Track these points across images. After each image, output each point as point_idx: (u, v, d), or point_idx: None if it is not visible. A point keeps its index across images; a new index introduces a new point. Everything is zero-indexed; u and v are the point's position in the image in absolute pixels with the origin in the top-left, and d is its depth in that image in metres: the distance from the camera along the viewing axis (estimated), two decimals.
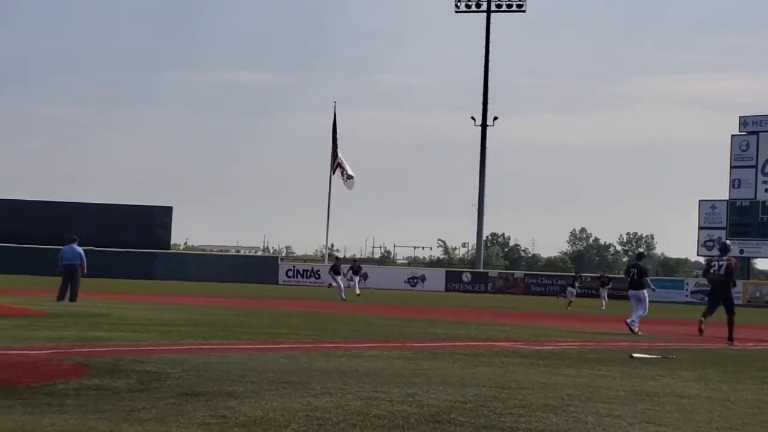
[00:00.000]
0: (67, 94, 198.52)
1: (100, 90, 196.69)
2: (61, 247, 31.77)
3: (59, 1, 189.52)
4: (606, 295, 46.55)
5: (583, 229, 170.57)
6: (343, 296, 43.29)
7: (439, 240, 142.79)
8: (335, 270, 46.12)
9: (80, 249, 30.50)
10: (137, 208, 79.17)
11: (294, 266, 75.82)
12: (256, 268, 73.75)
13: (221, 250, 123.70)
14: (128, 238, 73.20)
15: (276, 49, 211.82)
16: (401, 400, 9.96)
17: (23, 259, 66.42)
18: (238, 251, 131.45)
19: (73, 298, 29.19)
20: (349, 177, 69.11)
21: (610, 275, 55.84)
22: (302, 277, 70.89)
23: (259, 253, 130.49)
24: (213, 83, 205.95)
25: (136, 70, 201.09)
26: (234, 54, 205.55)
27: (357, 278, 48.24)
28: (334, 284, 45.57)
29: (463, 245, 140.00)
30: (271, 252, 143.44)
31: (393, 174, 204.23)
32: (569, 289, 46.57)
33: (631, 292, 24.97)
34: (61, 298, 29.30)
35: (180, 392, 10.02)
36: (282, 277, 71.05)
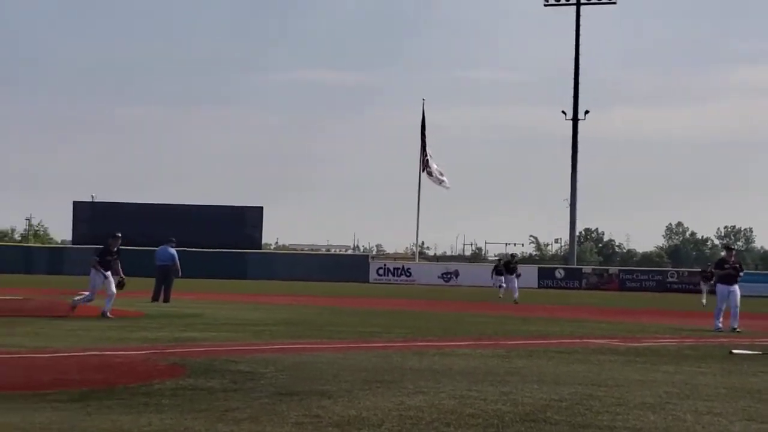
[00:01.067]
0: (153, 95, 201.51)
1: (188, 91, 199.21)
2: (155, 248, 32.26)
3: (141, 4, 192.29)
4: (707, 290, 45.58)
5: (679, 223, 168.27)
6: (500, 296, 41.82)
7: (531, 236, 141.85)
8: (498, 270, 44.56)
9: (173, 250, 30.92)
10: (228, 209, 79.98)
11: (385, 264, 75.87)
12: (347, 267, 73.96)
13: (312, 250, 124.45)
14: (220, 239, 73.98)
15: (363, 48, 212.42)
16: (495, 398, 9.94)
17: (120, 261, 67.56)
18: (328, 250, 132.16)
19: (166, 299, 29.61)
20: (440, 180, 69.19)
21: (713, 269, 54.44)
22: (393, 276, 70.94)
23: (350, 252, 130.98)
24: (302, 83, 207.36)
25: (225, 70, 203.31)
26: (322, 53, 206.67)
27: (514, 279, 43.30)
28: (503, 285, 42.90)
29: (556, 241, 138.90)
30: (362, 250, 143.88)
31: (483, 170, 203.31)
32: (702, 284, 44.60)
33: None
34: (155, 299, 29.73)
35: (273, 392, 10.11)
36: (373, 275, 71.18)
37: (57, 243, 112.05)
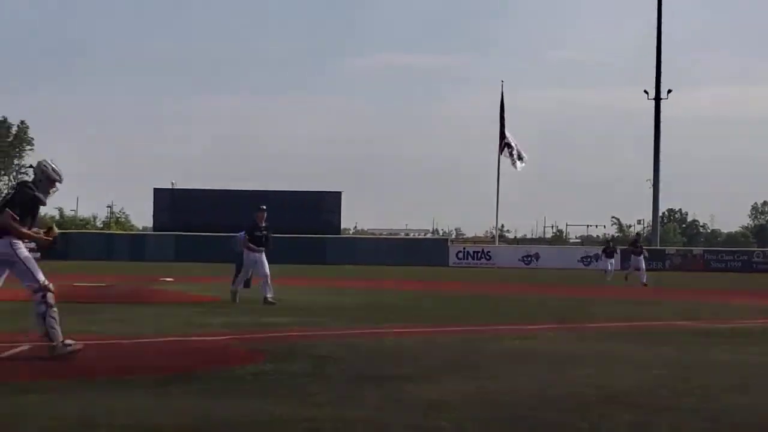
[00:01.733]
0: (232, 85, 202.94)
1: (269, 79, 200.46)
2: (234, 234, 32.55)
3: None
4: None
5: (765, 203, 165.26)
6: (608, 279, 40.93)
7: (612, 217, 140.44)
8: (608, 252, 43.80)
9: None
10: (307, 194, 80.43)
11: (464, 248, 75.74)
12: (426, 251, 73.90)
13: (390, 234, 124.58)
14: (299, 224, 74.39)
15: (443, 31, 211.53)
16: (578, 382, 9.89)
17: (200, 247, 68.39)
18: (407, 234, 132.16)
19: (247, 285, 29.87)
20: (520, 158, 68.57)
21: None
22: (473, 259, 70.74)
23: (429, 236, 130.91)
24: (380, 67, 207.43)
25: (300, 58, 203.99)
26: (398, 37, 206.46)
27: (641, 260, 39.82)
28: (610, 269, 41.82)
29: (639, 222, 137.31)
30: (441, 234, 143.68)
31: (564, 151, 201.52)
32: None
33: None
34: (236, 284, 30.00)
35: (354, 376, 10.16)
36: (452, 259, 71.03)
37: (138, 230, 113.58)
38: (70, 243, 74.98)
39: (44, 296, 11.33)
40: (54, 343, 11.29)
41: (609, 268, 41.97)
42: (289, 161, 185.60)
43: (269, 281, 22.51)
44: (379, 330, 16.14)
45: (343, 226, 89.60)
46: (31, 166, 11.80)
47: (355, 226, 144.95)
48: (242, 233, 28.78)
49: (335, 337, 14.75)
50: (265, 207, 23.91)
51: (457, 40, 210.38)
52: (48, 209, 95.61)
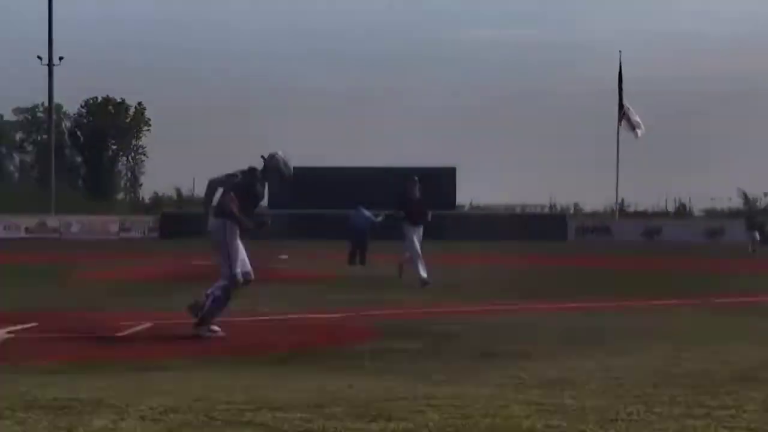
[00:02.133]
0: (347, 63, 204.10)
1: (383, 54, 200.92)
2: (350, 210, 32.73)
3: None
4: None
5: None
6: (751, 250, 40.35)
7: (739, 189, 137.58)
8: (751, 224, 43.55)
9: (368, 213, 31.28)
10: (421, 171, 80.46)
11: (583, 222, 75.02)
12: (544, 226, 73.49)
13: (507, 209, 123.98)
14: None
15: (557, 3, 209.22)
16: (704, 357, 9.71)
17: (315, 225, 69.07)
18: (524, 209, 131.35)
19: (362, 262, 30.02)
20: (637, 126, 67.43)
21: None
22: (592, 234, 70.09)
23: (546, 211, 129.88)
24: (494, 41, 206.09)
25: (415, 32, 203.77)
26: (515, 10, 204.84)
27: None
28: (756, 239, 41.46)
29: (766, 195, 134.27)
30: (559, 209, 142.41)
31: (686, 123, 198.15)
32: None
33: None
34: (351, 262, 30.18)
35: (473, 353, 10.13)
36: (571, 234, 70.49)
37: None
38: (188, 222, 76.35)
39: (226, 286, 11.50)
40: (200, 323, 11.46)
41: (756, 238, 41.42)
42: (406, 136, 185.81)
43: (420, 259, 20.72)
44: (496, 306, 16.08)
45: (458, 202, 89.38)
46: (263, 156, 11.92)
47: (471, 202, 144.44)
48: (361, 210, 28.30)
49: (453, 314, 14.74)
50: (417, 178, 21.64)
51: (572, 14, 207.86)
52: (165, 188, 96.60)
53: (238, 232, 11.73)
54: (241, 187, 11.67)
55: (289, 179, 12.00)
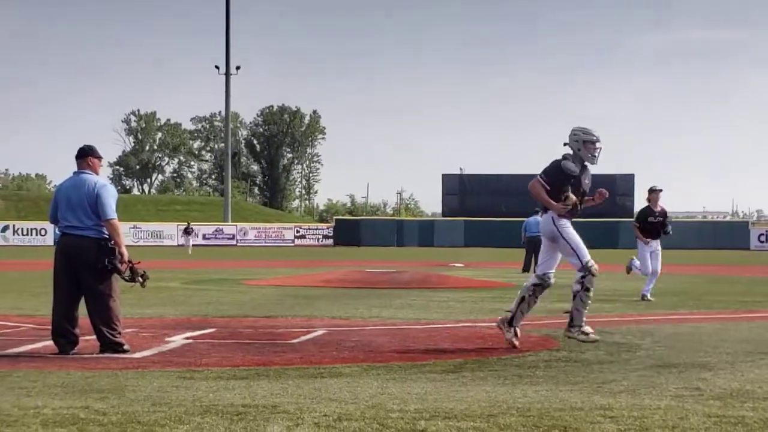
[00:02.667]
0: (519, 62, 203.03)
1: (557, 56, 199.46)
2: (524, 219, 32.61)
3: None
4: None
5: None
6: None
7: None
8: None
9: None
10: (598, 177, 79.53)
11: (766, 231, 72.92)
12: (725, 234, 71.87)
13: (687, 216, 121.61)
14: (591, 208, 73.71)
15: (733, 3, 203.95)
16: None
17: (489, 233, 69.04)
18: (704, 216, 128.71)
19: (526, 269, 29.86)
20: None
21: None
22: None
23: (728, 218, 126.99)
24: (670, 43, 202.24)
25: (595, 34, 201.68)
26: (695, 11, 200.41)
27: None
28: None
29: None
30: (741, 216, 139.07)
31: None
32: None
33: None
34: (526, 269, 30.03)
35: (651, 363, 9.96)
36: (754, 242, 68.69)
37: (427, 216, 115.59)
38: (361, 229, 77.30)
39: (583, 277, 11.59)
40: (573, 326, 11.55)
41: None
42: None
43: (655, 277, 19.87)
44: (676, 316, 15.80)
45: (636, 209, 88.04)
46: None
47: None
48: (536, 217, 28.03)
49: (631, 323, 14.53)
50: (660, 188, 20.02)
51: (743, 13, 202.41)
52: (339, 196, 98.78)
53: (568, 220, 11.69)
54: (549, 171, 11.65)
55: (598, 141, 11.71)
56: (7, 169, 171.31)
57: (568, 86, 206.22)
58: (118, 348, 10.59)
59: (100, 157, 11.22)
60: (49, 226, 60.42)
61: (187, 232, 61.33)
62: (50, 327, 10.89)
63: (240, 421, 6.57)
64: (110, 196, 10.81)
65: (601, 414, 6.87)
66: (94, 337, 10.86)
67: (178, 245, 62.66)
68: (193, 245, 60.31)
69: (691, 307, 17.44)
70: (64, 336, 10.68)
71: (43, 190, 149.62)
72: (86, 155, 11.05)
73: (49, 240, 62.04)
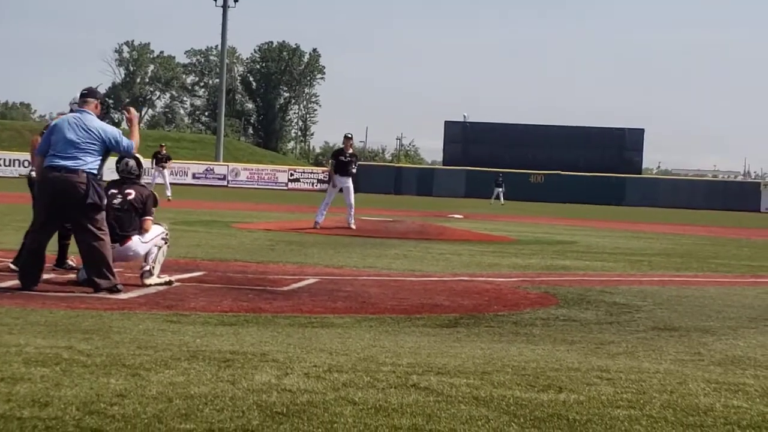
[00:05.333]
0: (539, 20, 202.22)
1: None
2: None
3: None
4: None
5: None
6: None
7: None
8: None
9: None
10: (607, 131, 79.39)
11: None
12: (736, 195, 71.81)
13: (696, 175, 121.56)
14: (597, 162, 73.67)
15: None
16: None
17: (492, 183, 69.03)
18: (715, 176, 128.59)
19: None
20: None
21: None
22: None
23: (739, 179, 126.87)
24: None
25: None
26: None
27: None
28: None
29: None
30: (753, 177, 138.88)
31: None
32: None
33: None
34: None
35: (651, 326, 10.03)
36: (764, 204, 68.69)
37: (427, 164, 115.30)
38: (358, 174, 77.20)
39: None
40: None
41: None
42: (591, 95, 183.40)
43: (352, 211, 23.49)
44: (679, 278, 15.85)
45: (645, 165, 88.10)
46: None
47: (659, 166, 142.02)
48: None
49: (632, 283, 14.59)
50: (351, 134, 24.49)
51: None
52: (336, 139, 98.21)
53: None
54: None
55: None
56: None
57: (572, 37, 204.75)
58: (112, 289, 10.70)
59: (104, 102, 11.54)
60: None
61: (159, 161, 42.60)
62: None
63: (228, 368, 6.62)
64: (120, 134, 11.41)
65: (598, 375, 6.93)
66: (79, 274, 10.99)
67: (155, 183, 42.99)
68: (171, 183, 43.13)
69: (696, 270, 17.50)
70: (26, 276, 10.87)
71: (27, 118, 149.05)
72: (95, 97, 11.36)
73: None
